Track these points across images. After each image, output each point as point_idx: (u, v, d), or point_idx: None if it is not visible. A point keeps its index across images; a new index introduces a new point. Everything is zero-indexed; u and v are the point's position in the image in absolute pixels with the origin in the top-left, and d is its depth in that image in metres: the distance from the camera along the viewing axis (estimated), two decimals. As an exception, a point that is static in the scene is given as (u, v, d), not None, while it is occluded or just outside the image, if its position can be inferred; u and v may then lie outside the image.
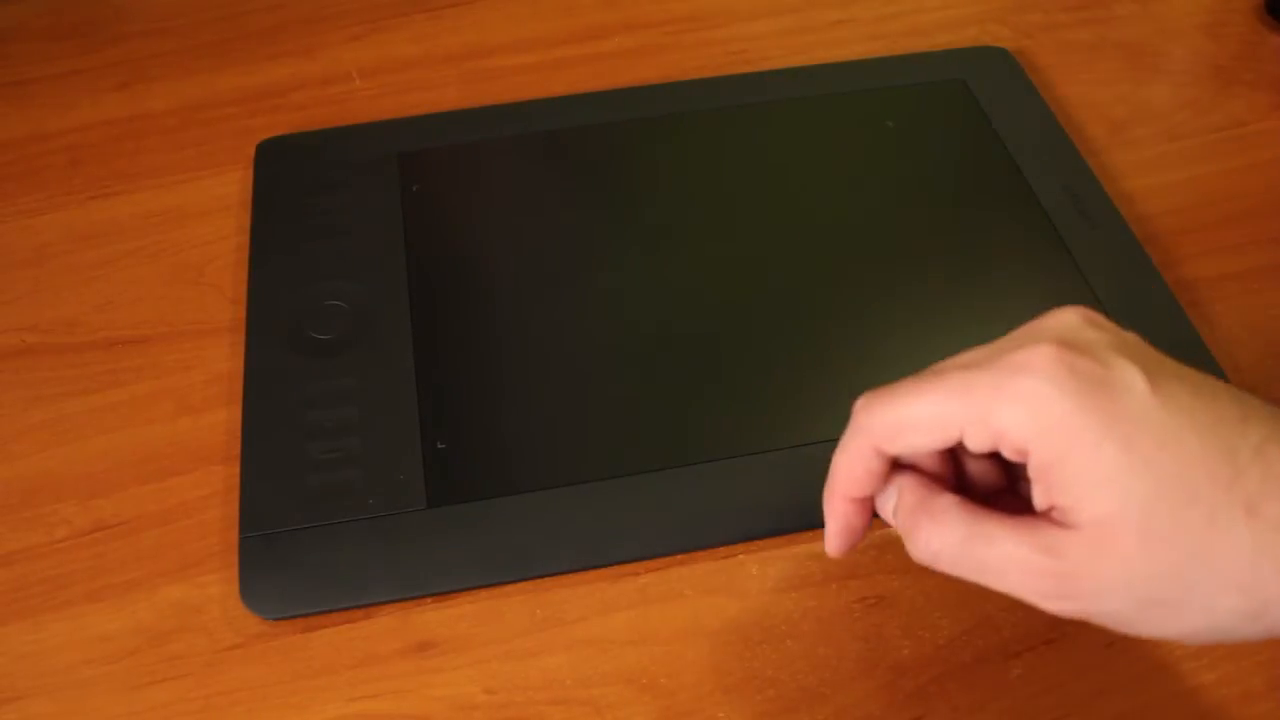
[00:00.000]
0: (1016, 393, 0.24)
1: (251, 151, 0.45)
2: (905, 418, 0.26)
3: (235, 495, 0.35)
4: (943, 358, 0.38)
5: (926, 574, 0.33)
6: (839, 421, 0.35)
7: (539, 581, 0.33)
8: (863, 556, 0.34)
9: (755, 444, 0.35)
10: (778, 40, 0.51)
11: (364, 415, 0.36)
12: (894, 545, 0.34)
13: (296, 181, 0.43)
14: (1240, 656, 0.32)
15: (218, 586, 0.33)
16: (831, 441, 0.35)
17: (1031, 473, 0.25)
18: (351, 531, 0.33)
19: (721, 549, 0.34)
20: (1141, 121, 0.47)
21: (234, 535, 0.34)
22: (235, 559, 0.33)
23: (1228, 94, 0.48)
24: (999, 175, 0.43)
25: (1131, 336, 0.26)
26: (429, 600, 0.33)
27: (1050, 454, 0.24)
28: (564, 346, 0.38)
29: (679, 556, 0.34)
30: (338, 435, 0.35)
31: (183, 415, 0.38)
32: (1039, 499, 0.25)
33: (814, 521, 0.34)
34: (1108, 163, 0.45)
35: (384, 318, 0.39)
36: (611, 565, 0.34)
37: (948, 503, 0.27)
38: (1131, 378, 0.25)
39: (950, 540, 0.26)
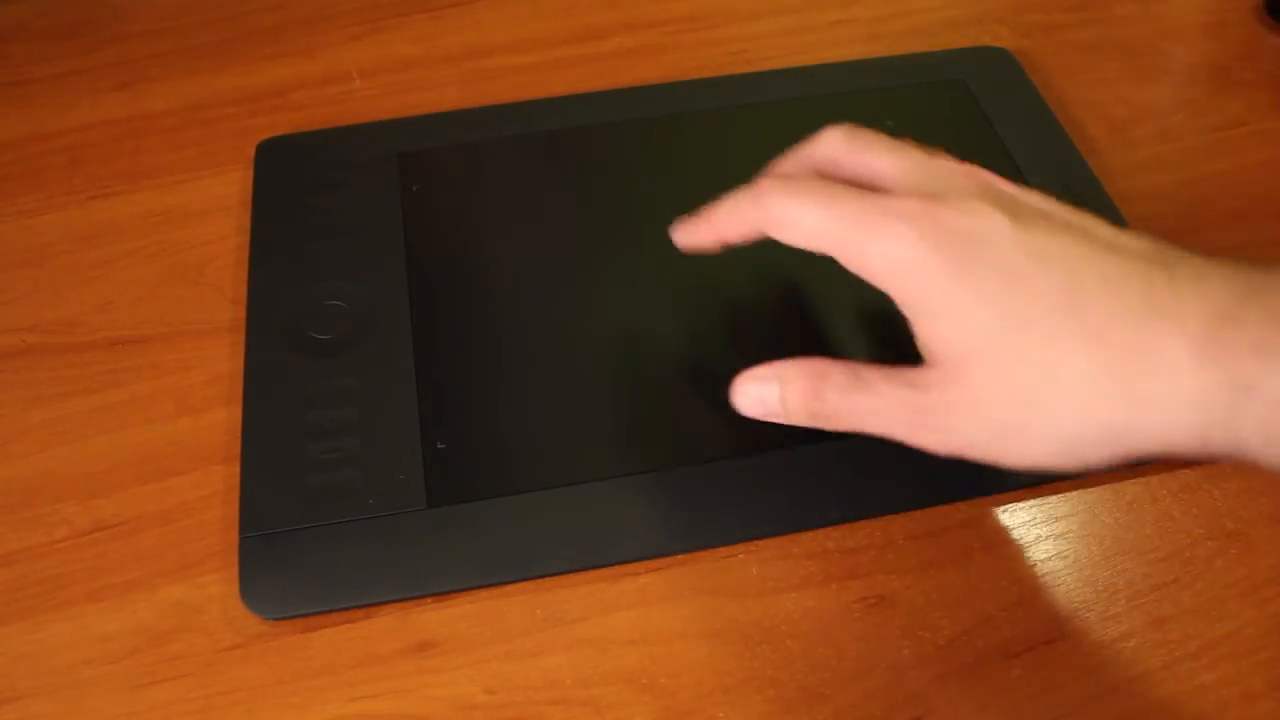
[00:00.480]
0: (885, 233, 0.28)
1: (251, 151, 0.45)
2: (794, 218, 0.29)
3: (235, 495, 0.35)
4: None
5: (926, 574, 0.34)
6: (839, 421, 0.36)
7: (539, 581, 0.33)
8: (863, 556, 0.34)
9: (755, 444, 0.35)
10: (778, 40, 0.51)
11: (364, 415, 0.36)
12: (894, 545, 0.34)
13: (296, 181, 0.43)
14: (1240, 656, 0.32)
15: (218, 586, 0.33)
16: (832, 442, 0.35)
17: (899, 307, 0.28)
18: (351, 531, 0.33)
19: (721, 549, 0.34)
20: (1141, 121, 0.47)
21: (234, 535, 0.34)
22: (235, 559, 0.33)
23: (1228, 94, 0.48)
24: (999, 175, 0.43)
25: (1027, 194, 0.29)
26: (429, 600, 0.33)
27: (908, 294, 0.28)
28: (564, 346, 0.38)
29: (679, 556, 0.34)
30: (338, 435, 0.36)
31: (183, 415, 0.38)
32: (917, 340, 0.28)
33: (814, 522, 0.34)
34: (1108, 163, 0.45)
35: (384, 318, 0.39)
36: (611, 565, 0.34)
37: (828, 363, 0.30)
38: (992, 225, 0.27)
39: (835, 393, 0.29)
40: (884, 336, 0.38)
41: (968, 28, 0.51)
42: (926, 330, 0.28)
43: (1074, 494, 0.35)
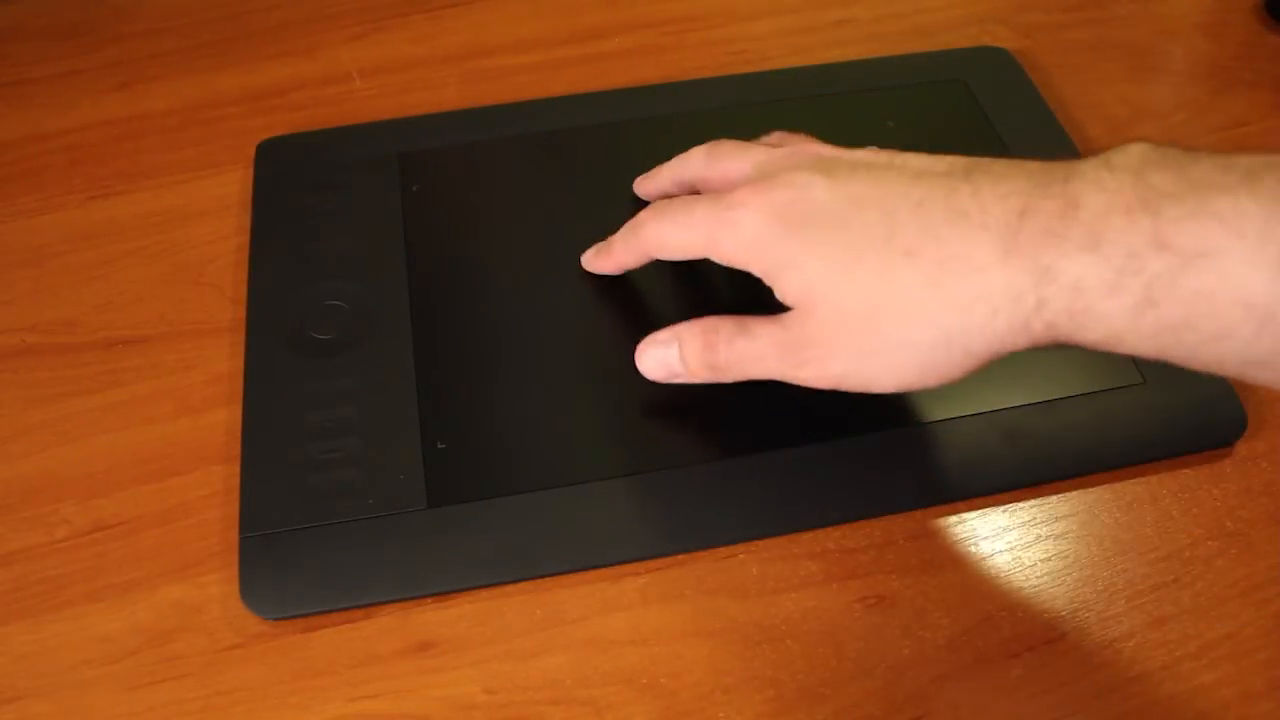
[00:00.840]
0: (730, 224, 0.32)
1: (251, 151, 0.45)
2: (663, 237, 0.35)
3: (235, 495, 0.35)
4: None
5: (926, 574, 0.34)
6: (840, 423, 0.36)
7: (539, 581, 0.33)
8: (863, 556, 0.34)
9: (755, 444, 0.35)
10: (778, 40, 0.51)
11: (364, 415, 0.36)
12: (894, 545, 0.34)
13: (296, 181, 0.43)
14: (1240, 656, 0.32)
15: (218, 586, 0.33)
16: (831, 442, 0.35)
17: (763, 280, 0.32)
18: (351, 531, 0.33)
19: (721, 549, 0.34)
20: (1141, 121, 0.47)
21: (234, 535, 0.34)
22: (235, 559, 0.33)
23: (1228, 94, 0.48)
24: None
25: (850, 152, 0.33)
26: (429, 600, 0.33)
27: (760, 265, 0.32)
28: (564, 346, 0.38)
29: (679, 556, 0.34)
30: (338, 435, 0.35)
31: (183, 415, 0.38)
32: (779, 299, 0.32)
33: (814, 522, 0.34)
34: (1108, 163, 0.45)
35: (384, 318, 0.39)
36: (611, 565, 0.34)
37: (719, 318, 0.33)
38: (811, 187, 0.31)
39: (724, 344, 0.33)
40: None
41: (968, 28, 0.51)
42: (780, 287, 0.31)
43: (1074, 494, 0.35)
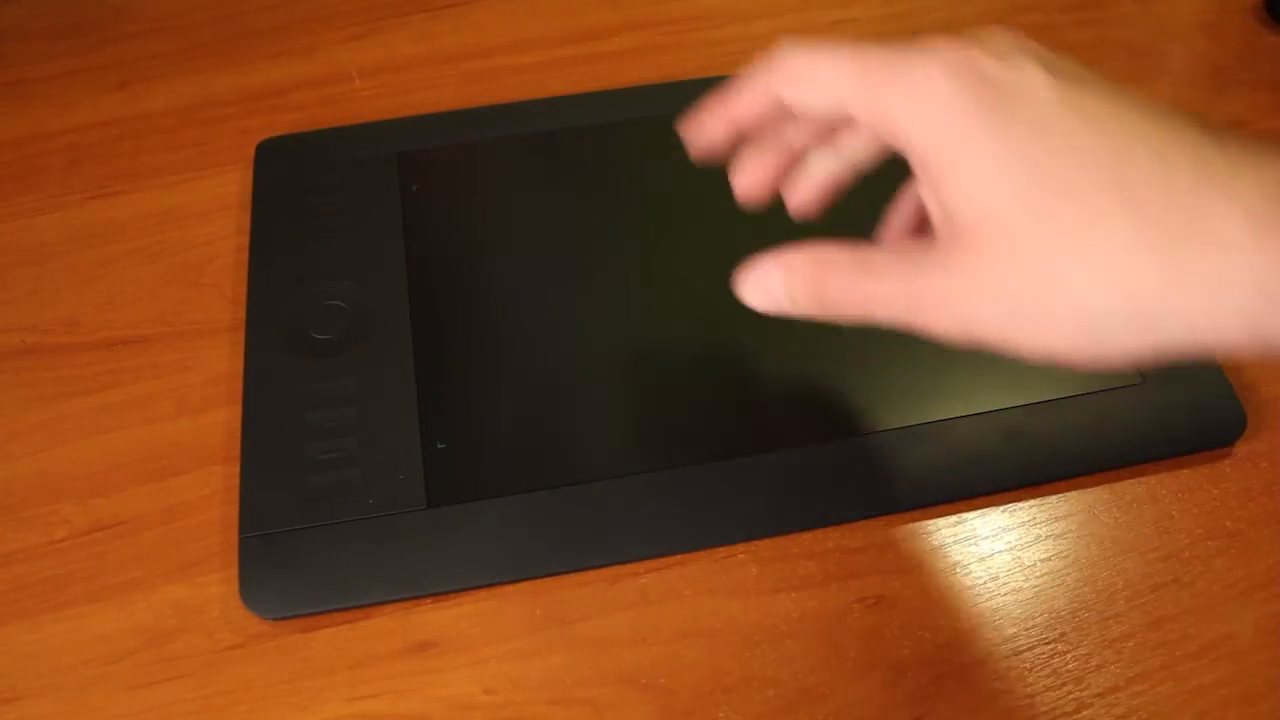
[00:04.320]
0: (911, 78, 0.25)
1: (251, 151, 0.45)
2: (810, 69, 0.27)
3: (235, 495, 0.35)
4: (940, 356, 0.38)
5: (926, 574, 0.34)
6: (840, 422, 0.36)
7: (539, 581, 0.33)
8: (863, 556, 0.34)
9: (755, 444, 0.35)
10: (778, 40, 0.51)
11: (364, 415, 0.36)
12: (894, 545, 0.34)
13: (296, 181, 0.43)
14: (1240, 656, 0.32)
15: (218, 586, 0.33)
16: (831, 443, 0.35)
17: (915, 170, 0.25)
18: (351, 531, 0.33)
19: (721, 549, 0.34)
20: (1141, 121, 0.47)
21: (234, 535, 0.34)
22: (235, 559, 0.33)
23: (1228, 94, 0.48)
24: None
25: (1064, 59, 0.26)
26: (429, 600, 0.33)
27: (928, 144, 0.24)
28: (564, 346, 0.38)
29: (679, 556, 0.34)
30: (338, 435, 0.35)
31: (183, 415, 0.38)
32: (929, 210, 0.25)
33: (814, 522, 0.34)
34: (1108, 163, 0.45)
35: (384, 318, 0.39)
36: (611, 565, 0.34)
37: (833, 248, 0.27)
38: (1037, 80, 0.24)
39: (841, 280, 0.27)
40: (883, 338, 0.38)
41: (967, 28, 0.51)
42: (946, 190, 0.24)
43: (1074, 494, 0.35)
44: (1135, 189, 0.23)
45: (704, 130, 0.30)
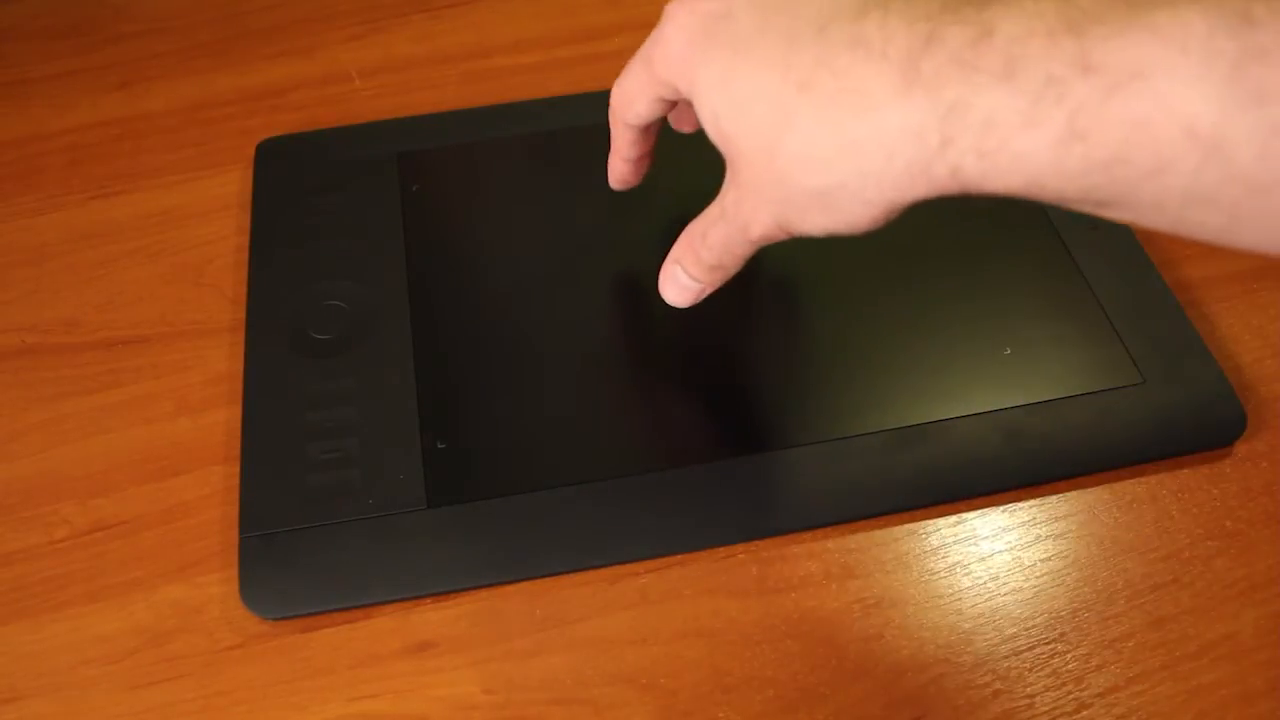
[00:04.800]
0: (658, 40, 0.30)
1: (251, 151, 0.45)
2: (622, 93, 0.34)
3: (235, 495, 0.35)
4: (940, 356, 0.38)
5: (927, 574, 0.34)
6: (839, 422, 0.36)
7: (539, 581, 0.33)
8: (863, 556, 0.34)
9: (755, 444, 0.35)
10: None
11: (364, 415, 0.36)
12: (894, 545, 0.34)
13: (296, 181, 0.43)
14: (1240, 656, 0.32)
15: (218, 586, 0.33)
16: (831, 442, 0.35)
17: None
18: (351, 531, 0.33)
19: (721, 549, 0.34)
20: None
21: (234, 535, 0.34)
22: (235, 559, 0.33)
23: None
24: None
25: None
26: (429, 600, 0.33)
27: (687, 89, 0.29)
28: (564, 346, 0.38)
29: (679, 556, 0.34)
30: (338, 435, 0.36)
31: (183, 415, 0.38)
32: None
33: (814, 522, 0.34)
34: (1108, 163, 0.45)
35: (384, 318, 0.39)
36: (611, 565, 0.34)
37: (693, 223, 0.32)
38: (737, 7, 0.28)
39: (707, 238, 0.31)
40: (883, 337, 0.38)
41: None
42: (700, 118, 0.29)
43: (1074, 494, 0.35)
44: (801, 73, 0.26)
45: (617, 178, 0.38)
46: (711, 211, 0.31)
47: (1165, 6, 0.21)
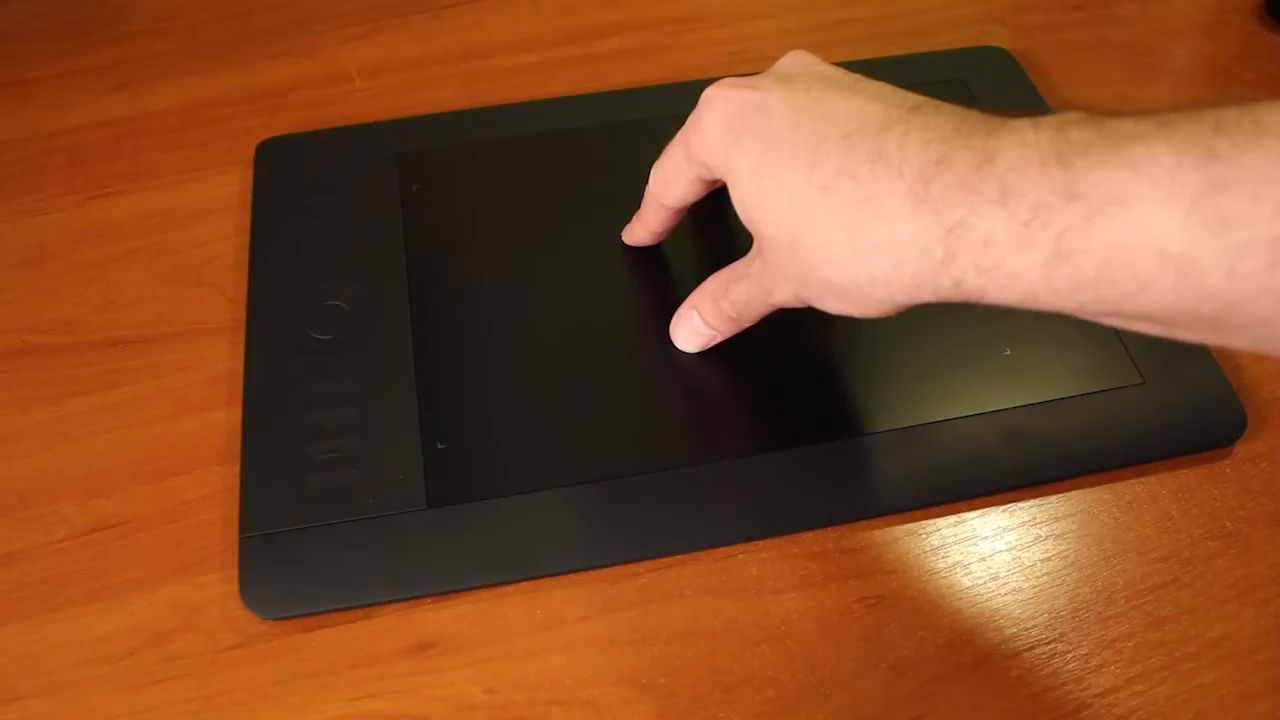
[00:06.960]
0: (696, 125, 0.32)
1: (251, 151, 0.45)
2: (662, 176, 0.36)
3: (235, 495, 0.35)
4: (940, 357, 0.38)
5: (927, 574, 0.34)
6: (839, 422, 0.36)
7: (539, 581, 0.33)
8: (863, 556, 0.34)
9: (754, 444, 0.35)
10: (778, 40, 0.51)
11: (364, 415, 0.36)
12: (894, 545, 0.34)
13: (296, 181, 0.43)
14: (1240, 656, 0.32)
15: (218, 586, 0.33)
16: (830, 443, 0.35)
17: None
18: (351, 531, 0.33)
19: (721, 549, 0.34)
20: (1141, 121, 0.47)
21: (234, 535, 0.34)
22: (235, 559, 0.33)
23: (1228, 94, 0.48)
24: None
25: (825, 67, 0.32)
26: (429, 600, 0.33)
27: (718, 167, 0.32)
28: (564, 346, 0.38)
29: (679, 556, 0.34)
30: (338, 435, 0.35)
31: (183, 415, 0.38)
32: None
33: (814, 522, 0.34)
34: (1108, 163, 0.45)
35: (384, 318, 0.39)
36: (611, 565, 0.34)
37: (718, 273, 0.35)
38: (768, 92, 0.30)
39: (729, 292, 0.34)
40: (883, 338, 0.38)
41: (968, 28, 0.51)
42: (733, 198, 0.31)
43: (1074, 494, 0.35)
44: (824, 176, 0.28)
45: (634, 239, 0.40)
46: (737, 269, 0.34)
47: (1141, 141, 0.23)
